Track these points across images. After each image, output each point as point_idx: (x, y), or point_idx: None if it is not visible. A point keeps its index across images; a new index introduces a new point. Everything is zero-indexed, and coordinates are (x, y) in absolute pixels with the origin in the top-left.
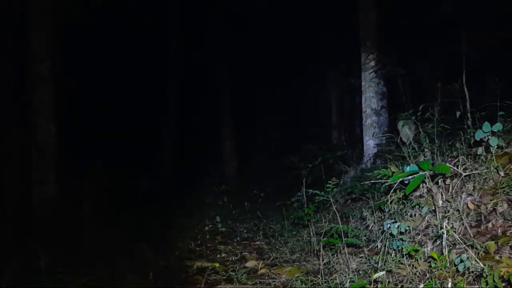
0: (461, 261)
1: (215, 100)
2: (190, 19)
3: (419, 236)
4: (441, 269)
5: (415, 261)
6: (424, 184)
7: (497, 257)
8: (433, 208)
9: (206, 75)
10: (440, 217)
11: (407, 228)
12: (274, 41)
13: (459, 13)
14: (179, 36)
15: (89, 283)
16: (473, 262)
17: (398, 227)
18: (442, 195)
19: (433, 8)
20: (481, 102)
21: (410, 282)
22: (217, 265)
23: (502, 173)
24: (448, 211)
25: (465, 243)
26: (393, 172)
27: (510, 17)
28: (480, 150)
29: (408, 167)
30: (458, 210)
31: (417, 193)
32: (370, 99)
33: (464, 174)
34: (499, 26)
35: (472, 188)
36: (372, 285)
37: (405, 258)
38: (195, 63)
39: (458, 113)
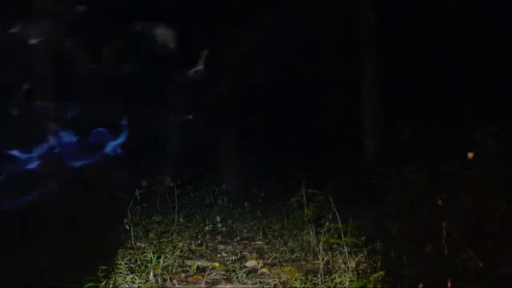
0: (461, 260)
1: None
2: None
3: (419, 236)
4: (440, 269)
5: (414, 260)
6: (423, 184)
7: (496, 257)
8: (433, 208)
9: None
10: (439, 217)
11: (406, 228)
12: None
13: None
14: None
15: (88, 282)
16: (473, 261)
17: (397, 226)
18: (441, 194)
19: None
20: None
21: (410, 282)
22: (217, 264)
23: (502, 174)
24: (447, 211)
25: (464, 243)
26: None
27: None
28: (479, 150)
29: None
30: (458, 210)
31: (417, 193)
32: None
33: (463, 174)
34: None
35: (471, 188)
36: (372, 284)
37: (404, 257)
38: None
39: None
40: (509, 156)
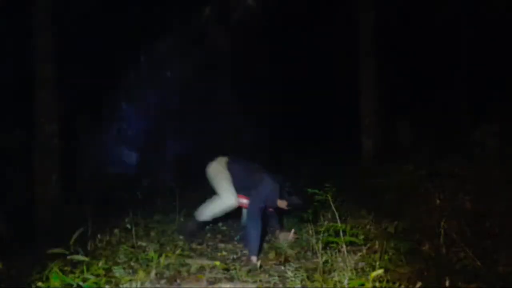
0: (459, 259)
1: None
2: None
3: (417, 235)
4: (438, 268)
5: (412, 259)
6: (422, 184)
7: (494, 256)
8: (431, 207)
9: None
10: (437, 216)
11: (404, 227)
12: None
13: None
14: None
15: (91, 282)
16: (471, 260)
17: (396, 226)
18: (439, 194)
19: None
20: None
21: (408, 280)
22: (217, 263)
23: (499, 173)
24: (446, 210)
25: (462, 242)
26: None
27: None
28: (478, 150)
29: None
30: (456, 209)
31: (415, 193)
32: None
33: (461, 173)
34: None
35: (470, 188)
36: (370, 283)
37: (402, 256)
38: None
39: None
40: (508, 156)
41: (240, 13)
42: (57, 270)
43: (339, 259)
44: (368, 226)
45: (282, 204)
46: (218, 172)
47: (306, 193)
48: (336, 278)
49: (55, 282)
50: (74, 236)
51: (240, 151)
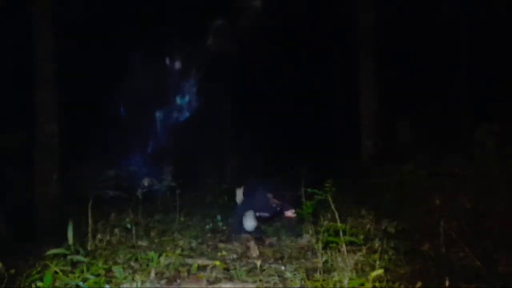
0: (459, 259)
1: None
2: None
3: (417, 235)
4: (438, 268)
5: (412, 259)
6: (422, 184)
7: (494, 256)
8: (431, 207)
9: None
10: (437, 216)
11: (404, 227)
12: None
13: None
14: None
15: (92, 282)
16: (471, 260)
17: (396, 225)
18: (439, 194)
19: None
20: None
21: (408, 280)
22: (218, 263)
23: (499, 173)
24: (446, 210)
25: (462, 242)
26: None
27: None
28: (478, 150)
29: None
30: (456, 209)
31: (415, 193)
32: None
33: (461, 173)
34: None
35: (469, 188)
36: (370, 283)
37: (402, 256)
38: None
39: None
40: (508, 156)
41: (241, 14)
42: (57, 270)
43: (339, 259)
44: (368, 226)
45: (274, 200)
46: (239, 200)
47: (302, 192)
48: (336, 278)
49: (48, 282)
50: (69, 233)
51: (240, 152)
